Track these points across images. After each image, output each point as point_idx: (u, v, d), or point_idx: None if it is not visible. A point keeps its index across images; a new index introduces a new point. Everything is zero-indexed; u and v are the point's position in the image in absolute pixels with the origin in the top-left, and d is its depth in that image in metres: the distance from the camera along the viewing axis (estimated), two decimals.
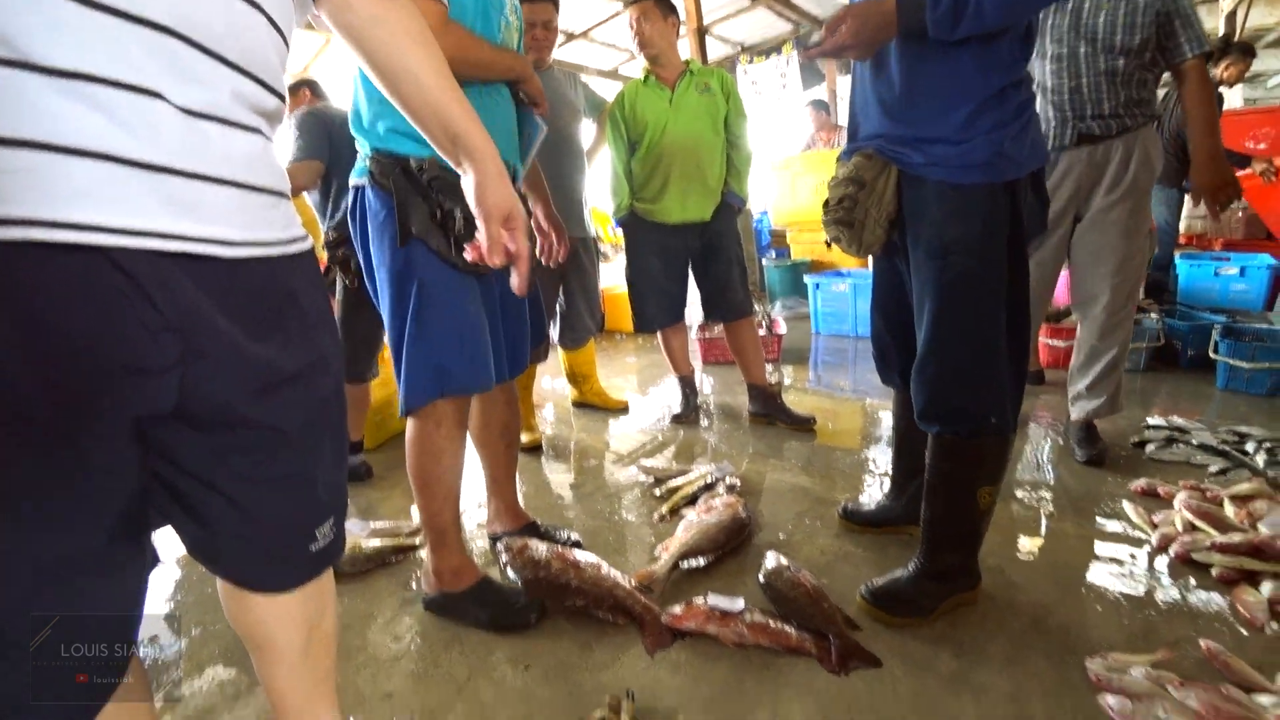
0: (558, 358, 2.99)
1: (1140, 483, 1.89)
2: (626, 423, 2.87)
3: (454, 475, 1.45)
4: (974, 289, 1.23)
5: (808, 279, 4.35)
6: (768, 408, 2.66)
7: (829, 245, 1.45)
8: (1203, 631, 1.30)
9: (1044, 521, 1.79)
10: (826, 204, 1.38)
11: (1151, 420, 2.33)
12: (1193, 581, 1.47)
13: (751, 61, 6.75)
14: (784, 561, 1.52)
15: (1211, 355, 2.69)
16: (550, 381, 3.47)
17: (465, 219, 1.27)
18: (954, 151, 1.20)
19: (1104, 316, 2.02)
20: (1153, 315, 3.03)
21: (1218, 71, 3.64)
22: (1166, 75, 1.98)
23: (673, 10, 2.45)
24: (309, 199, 2.30)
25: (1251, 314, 3.31)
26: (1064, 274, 2.29)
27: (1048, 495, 1.93)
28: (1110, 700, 1.12)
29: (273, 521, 0.77)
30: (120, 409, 0.60)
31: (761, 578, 1.50)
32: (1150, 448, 2.15)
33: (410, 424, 1.40)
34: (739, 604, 1.39)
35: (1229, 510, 1.67)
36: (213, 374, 0.65)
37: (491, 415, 1.65)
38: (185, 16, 0.58)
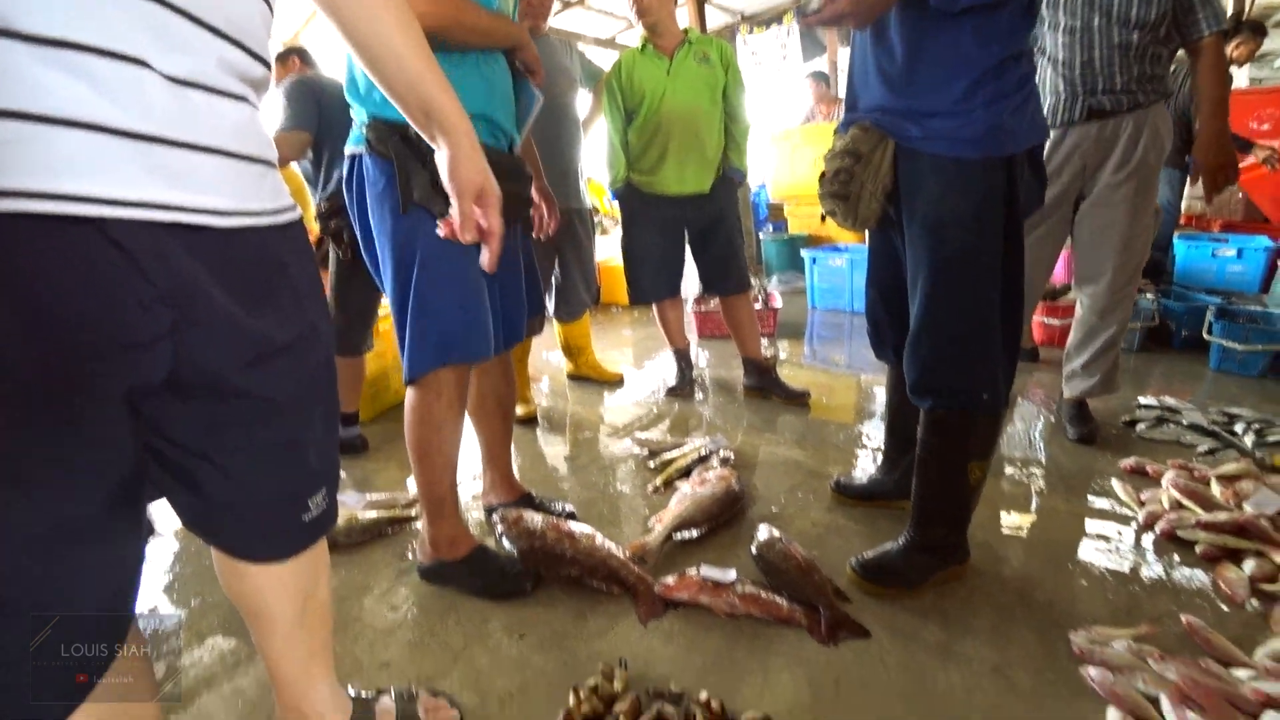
0: (553, 330, 2.99)
1: (1130, 461, 1.91)
2: (621, 395, 2.88)
3: (453, 445, 1.45)
4: (968, 265, 1.23)
5: (805, 253, 4.34)
6: (762, 382, 2.67)
7: (824, 219, 1.44)
8: (1185, 607, 1.33)
9: (1034, 498, 1.81)
10: (822, 176, 1.37)
11: (1143, 400, 2.35)
12: (1177, 558, 1.50)
13: (751, 31, 6.62)
14: (776, 534, 1.54)
15: (1205, 336, 2.71)
16: (545, 354, 3.46)
17: None
18: (951, 125, 1.19)
19: (1105, 296, 2.01)
20: (1148, 295, 3.04)
21: (1228, 50, 3.59)
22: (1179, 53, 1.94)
23: None
24: (299, 169, 2.26)
25: (1246, 296, 3.32)
26: (1063, 252, 2.28)
27: (1038, 472, 1.95)
28: (1092, 672, 1.14)
29: (265, 491, 0.78)
30: (113, 380, 0.60)
31: (754, 549, 1.52)
32: (1141, 427, 2.17)
33: (411, 393, 1.40)
34: (731, 575, 1.41)
35: (1215, 489, 1.69)
36: (206, 344, 0.65)
37: (487, 386, 1.65)
38: None
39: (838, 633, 1.29)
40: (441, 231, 0.90)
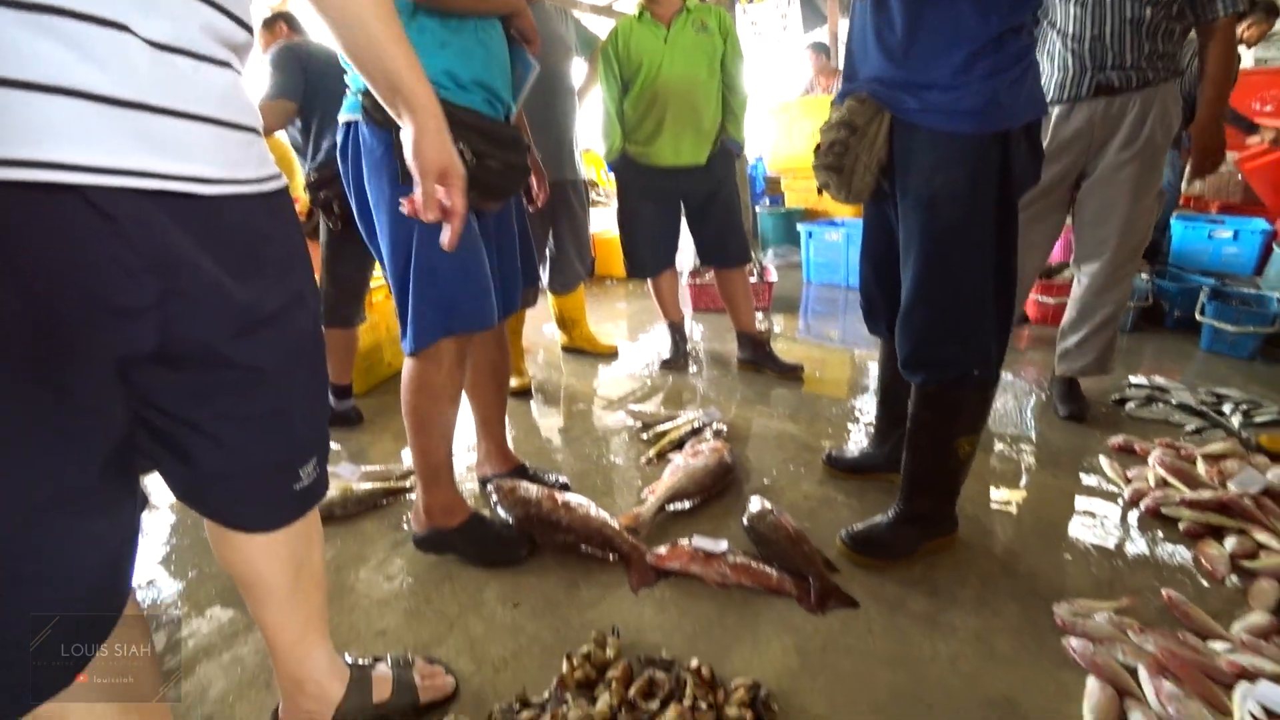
0: (547, 303, 2.98)
1: (1118, 439, 1.93)
2: (616, 368, 2.89)
3: (451, 414, 1.45)
4: (961, 240, 1.23)
5: (801, 227, 4.31)
6: (756, 355, 2.67)
7: (820, 192, 1.43)
8: (1166, 582, 1.36)
9: (1022, 473, 1.83)
10: (817, 148, 1.36)
11: (1133, 379, 2.37)
12: (1160, 534, 1.52)
13: (751, 0, 6.50)
14: (767, 505, 1.56)
15: (1198, 317, 2.72)
16: (540, 326, 3.46)
17: (475, 154, 1.21)
18: (948, 97, 1.18)
19: (1103, 275, 2.00)
20: (1143, 275, 3.04)
21: (1240, 30, 3.53)
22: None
23: None
24: (286, 138, 2.22)
25: (1240, 278, 3.32)
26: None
27: (1027, 448, 1.97)
28: (1073, 642, 1.17)
29: (256, 460, 0.78)
30: (101, 349, 0.59)
31: (745, 521, 1.54)
32: (1130, 405, 2.19)
33: (410, 363, 1.39)
34: (722, 545, 1.43)
35: (1201, 468, 1.71)
36: (193, 313, 0.65)
37: (482, 357, 1.65)
38: None
39: (826, 602, 1.32)
40: (405, 209, 0.90)
